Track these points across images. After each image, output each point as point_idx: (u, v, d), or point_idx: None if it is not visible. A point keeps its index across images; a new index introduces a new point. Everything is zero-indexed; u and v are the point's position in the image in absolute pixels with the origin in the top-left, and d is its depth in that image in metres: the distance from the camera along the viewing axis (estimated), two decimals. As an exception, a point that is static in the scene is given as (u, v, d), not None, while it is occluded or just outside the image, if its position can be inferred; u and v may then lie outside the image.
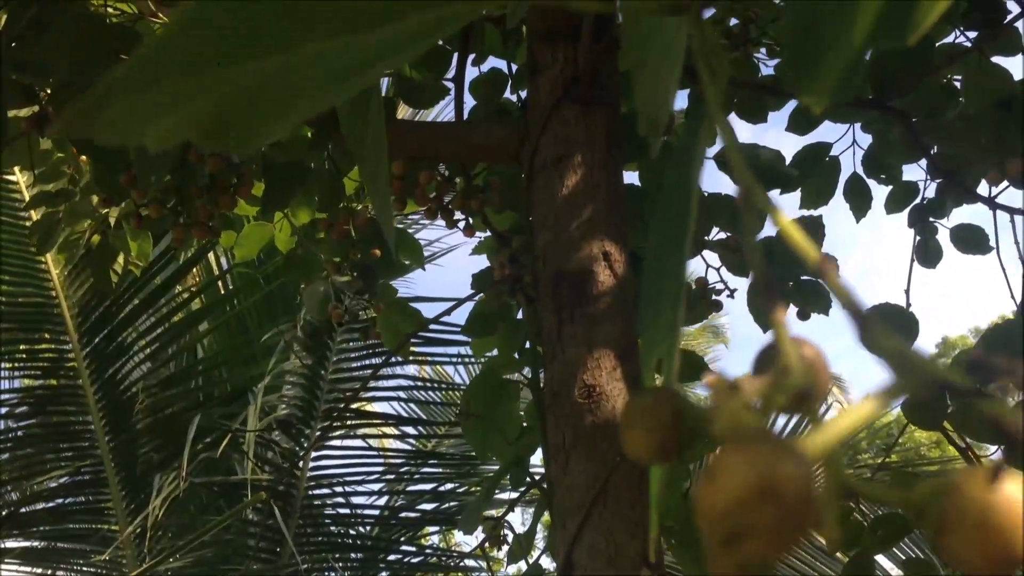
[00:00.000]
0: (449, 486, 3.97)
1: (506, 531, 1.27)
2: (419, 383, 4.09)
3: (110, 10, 1.31)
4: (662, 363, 0.28)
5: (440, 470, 4.01)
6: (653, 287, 0.28)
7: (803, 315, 1.30)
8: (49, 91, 1.01)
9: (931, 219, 1.34)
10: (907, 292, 1.25)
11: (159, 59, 0.17)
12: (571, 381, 0.91)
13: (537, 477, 1.39)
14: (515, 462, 1.19)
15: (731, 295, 1.28)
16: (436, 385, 4.22)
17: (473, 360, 4.06)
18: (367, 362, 3.75)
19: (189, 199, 1.10)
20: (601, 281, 0.94)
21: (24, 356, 3.63)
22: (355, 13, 0.19)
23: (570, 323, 0.93)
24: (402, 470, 3.95)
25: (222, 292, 3.74)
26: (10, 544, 3.66)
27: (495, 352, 1.54)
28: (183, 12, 0.17)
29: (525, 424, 1.36)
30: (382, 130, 0.55)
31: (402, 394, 3.96)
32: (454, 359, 4.12)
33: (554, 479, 0.90)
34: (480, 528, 1.46)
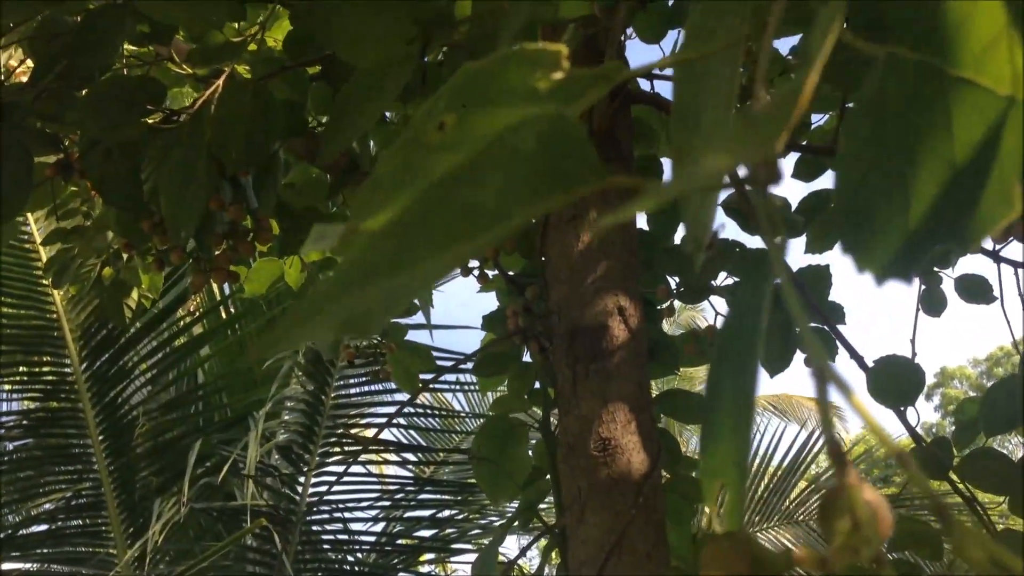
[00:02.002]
0: (447, 513, 3.97)
1: None
2: (418, 410, 4.10)
3: (128, 49, 1.33)
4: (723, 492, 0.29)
5: (438, 497, 4.01)
6: (714, 416, 0.30)
7: (811, 362, 1.31)
8: (76, 143, 1.03)
9: (935, 268, 1.36)
10: (912, 342, 1.27)
11: (317, 297, 0.19)
12: (586, 434, 0.92)
13: (542, 513, 1.40)
14: (527, 507, 1.21)
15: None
16: (435, 412, 4.23)
17: (473, 388, 4.07)
18: (367, 388, 3.76)
19: (208, 245, 1.12)
20: (616, 336, 0.96)
21: (25, 378, 3.64)
22: (474, 223, 0.21)
23: (585, 378, 0.95)
24: (397, 496, 3.95)
25: (224, 317, 3.75)
26: (7, 566, 3.65)
27: (503, 388, 1.55)
28: (338, 271, 0.19)
29: (535, 464, 1.38)
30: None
31: (401, 420, 3.97)
32: (453, 386, 4.13)
33: (569, 531, 0.92)
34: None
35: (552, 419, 1.28)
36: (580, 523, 0.91)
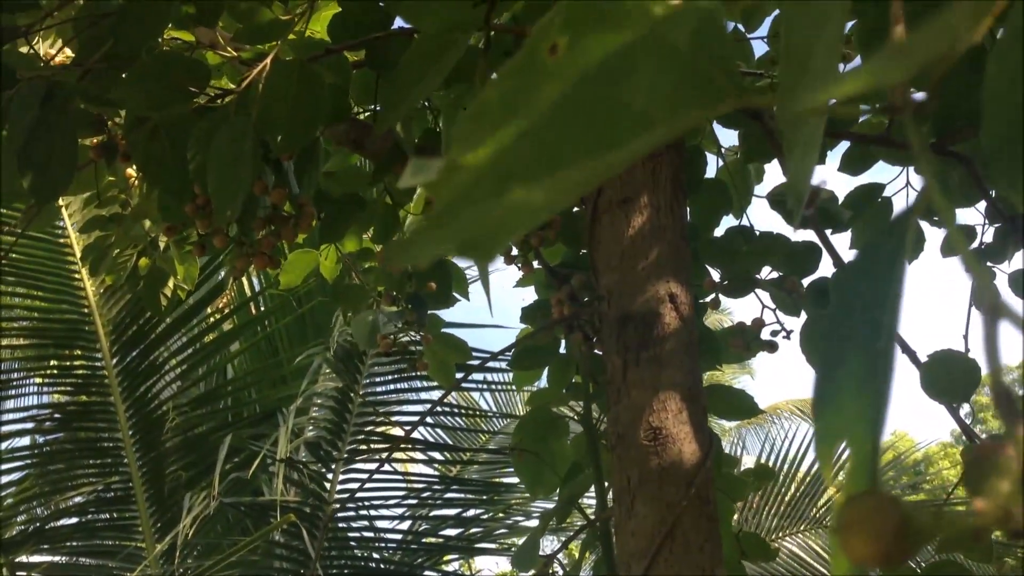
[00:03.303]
0: (473, 512, 3.95)
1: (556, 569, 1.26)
2: (445, 408, 4.09)
3: (169, 35, 1.33)
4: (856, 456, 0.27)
5: (464, 496, 4.00)
6: (833, 374, 0.28)
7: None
8: (120, 125, 1.03)
9: (989, 263, 1.32)
10: (965, 337, 1.24)
11: (441, 211, 0.18)
12: (636, 423, 0.90)
13: (581, 506, 1.38)
14: (568, 500, 1.19)
15: (787, 336, 1.27)
16: (462, 411, 4.22)
17: (500, 388, 4.06)
18: (395, 386, 3.76)
19: (250, 229, 1.11)
20: (667, 323, 0.93)
21: (56, 372, 3.66)
22: (618, 129, 0.19)
23: (635, 365, 0.92)
24: (424, 495, 3.94)
25: (254, 313, 3.76)
26: (37, 559, 3.68)
27: (538, 384, 1.54)
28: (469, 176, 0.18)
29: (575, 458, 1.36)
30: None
31: (428, 419, 3.96)
32: (480, 385, 4.12)
33: (617, 524, 0.90)
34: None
35: (593, 412, 1.26)
36: (630, 515, 0.89)
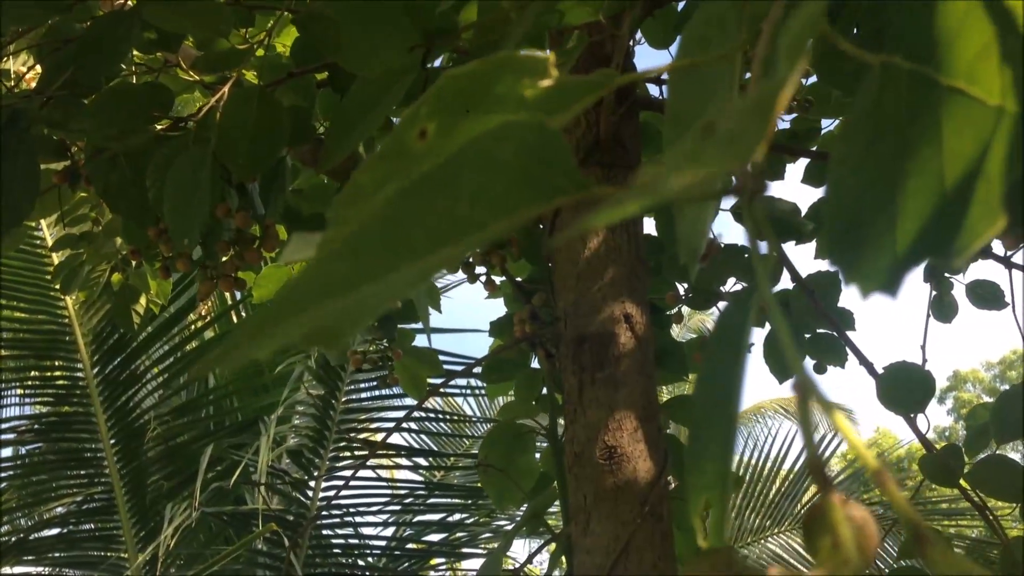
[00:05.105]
0: (457, 517, 3.97)
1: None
2: (428, 414, 4.10)
3: (136, 55, 1.33)
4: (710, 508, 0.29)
5: (448, 500, 4.01)
6: (702, 432, 0.30)
7: (820, 368, 1.31)
8: (83, 150, 1.04)
9: (946, 274, 1.35)
10: (923, 348, 1.26)
11: (277, 308, 0.19)
12: (593, 442, 0.92)
13: (550, 518, 1.39)
14: (533, 515, 1.20)
15: (749, 349, 1.28)
16: (445, 416, 4.23)
17: (483, 393, 4.07)
18: (377, 392, 3.77)
19: (215, 252, 1.12)
20: (623, 343, 0.95)
21: (37, 382, 3.66)
22: (447, 231, 0.21)
23: (591, 385, 0.94)
24: (407, 500, 3.95)
25: (235, 322, 3.76)
26: (19, 570, 3.67)
27: (511, 394, 1.55)
28: (307, 267, 0.19)
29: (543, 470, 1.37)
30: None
31: (412, 425, 3.97)
32: (463, 390, 4.14)
33: (574, 541, 0.91)
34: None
35: (559, 425, 1.27)
36: (585, 533, 0.90)
